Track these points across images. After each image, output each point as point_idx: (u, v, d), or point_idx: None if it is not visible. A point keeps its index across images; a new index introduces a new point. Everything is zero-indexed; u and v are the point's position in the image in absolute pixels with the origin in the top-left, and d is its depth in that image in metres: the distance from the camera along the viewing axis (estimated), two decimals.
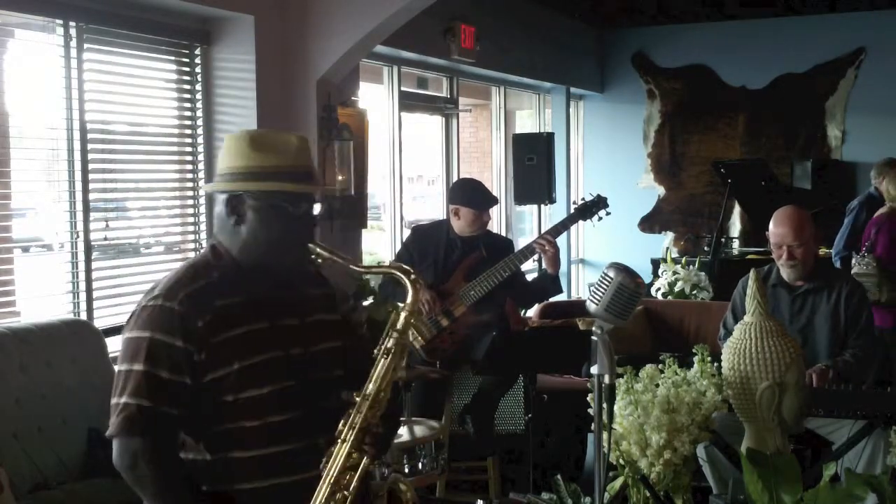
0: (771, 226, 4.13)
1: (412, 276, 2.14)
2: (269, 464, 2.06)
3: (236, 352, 2.04)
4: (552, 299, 5.90)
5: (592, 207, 4.98)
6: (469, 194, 4.85)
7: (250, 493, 2.06)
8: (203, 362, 2.01)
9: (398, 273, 2.17)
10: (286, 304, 2.15)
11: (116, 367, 2.06)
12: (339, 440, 2.05)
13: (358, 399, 2.06)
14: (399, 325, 2.10)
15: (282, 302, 2.14)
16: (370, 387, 2.06)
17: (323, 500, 2.02)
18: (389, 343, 2.09)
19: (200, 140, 5.19)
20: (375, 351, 2.10)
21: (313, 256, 2.16)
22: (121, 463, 2.02)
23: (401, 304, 2.13)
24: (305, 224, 2.14)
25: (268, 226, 2.09)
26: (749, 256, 8.09)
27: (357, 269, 2.26)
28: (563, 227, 4.96)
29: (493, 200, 4.89)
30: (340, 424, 2.05)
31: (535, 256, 5.03)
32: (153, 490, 2.02)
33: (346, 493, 2.04)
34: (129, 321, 2.07)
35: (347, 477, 2.04)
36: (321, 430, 2.09)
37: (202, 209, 5.21)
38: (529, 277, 5.17)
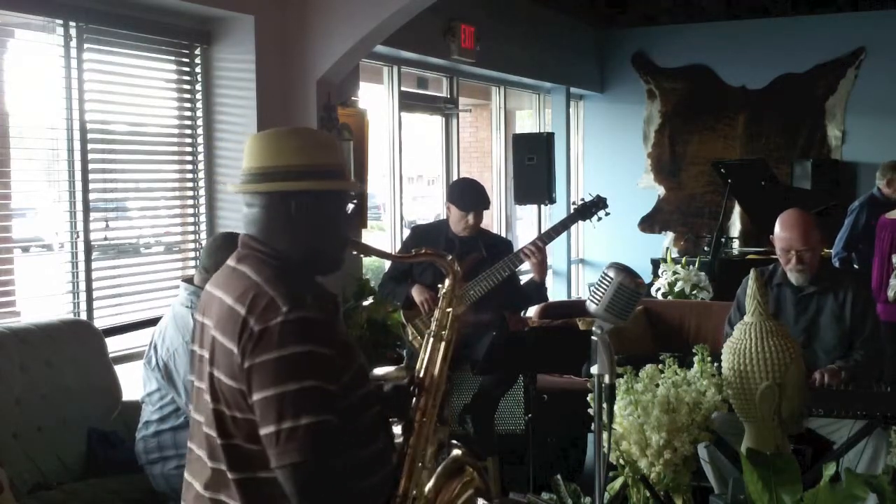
0: (778, 230, 4.08)
1: (448, 259, 2.29)
2: (376, 460, 2.08)
3: (352, 351, 2.04)
4: (553, 299, 5.89)
5: (592, 208, 4.97)
6: (457, 194, 4.85)
7: (364, 493, 2.04)
8: (340, 367, 1.98)
9: (436, 259, 2.33)
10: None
11: (268, 392, 1.88)
12: (416, 422, 2.15)
13: (421, 384, 2.20)
14: (440, 308, 2.25)
15: (338, 301, 2.18)
16: (434, 369, 2.20)
17: (412, 477, 2.10)
18: (435, 328, 2.23)
19: (200, 140, 5.19)
20: (426, 334, 2.25)
21: (355, 252, 2.22)
22: (317, 486, 1.88)
23: (440, 286, 2.29)
24: (350, 221, 2.21)
25: (333, 224, 2.10)
26: (749, 256, 8.09)
27: (400, 257, 2.42)
28: (562, 227, 4.95)
29: (481, 205, 4.82)
30: (413, 411, 2.17)
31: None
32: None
33: (427, 466, 2.14)
34: (262, 344, 1.90)
35: (428, 453, 2.16)
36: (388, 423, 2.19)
37: (202, 209, 5.21)
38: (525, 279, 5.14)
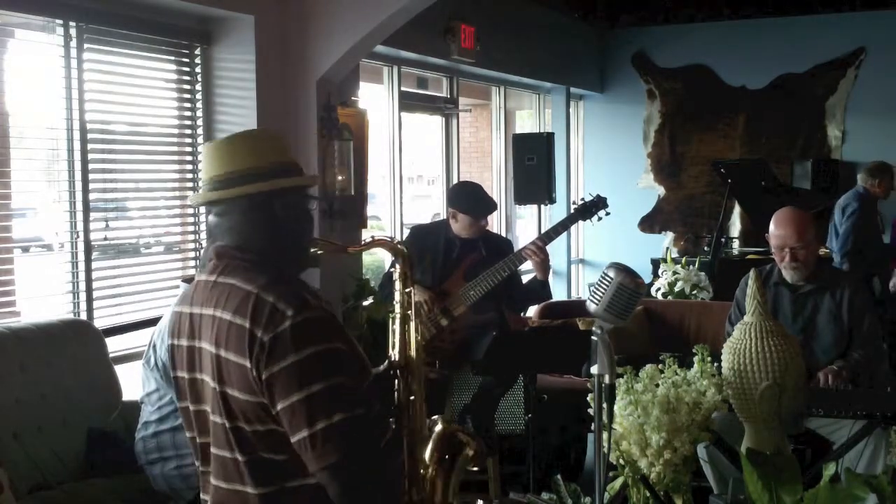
0: (772, 227, 4.10)
1: (395, 242, 2.29)
2: (396, 443, 2.08)
3: (354, 344, 2.01)
4: (553, 299, 5.89)
5: (592, 208, 4.97)
6: (467, 200, 4.83)
7: (392, 481, 2.04)
8: (353, 359, 1.97)
9: (384, 245, 2.31)
10: None
11: (294, 398, 1.85)
12: (405, 402, 2.13)
13: (402, 366, 2.17)
14: (398, 291, 2.21)
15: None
16: (409, 349, 2.17)
17: (416, 456, 2.09)
18: (399, 310, 2.20)
19: (200, 140, 5.19)
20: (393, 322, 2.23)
21: (312, 248, 2.19)
22: (360, 481, 1.87)
23: (393, 270, 2.28)
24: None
25: (305, 221, 2.09)
26: (749, 256, 8.08)
27: (353, 249, 2.38)
28: (562, 227, 4.95)
29: (491, 208, 4.86)
30: (400, 393, 2.14)
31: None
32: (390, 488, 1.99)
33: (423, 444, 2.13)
34: (276, 352, 1.86)
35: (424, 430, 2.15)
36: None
37: (202, 209, 5.21)
38: (526, 279, 5.14)
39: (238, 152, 2.03)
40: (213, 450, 2.00)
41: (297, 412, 1.85)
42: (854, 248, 7.06)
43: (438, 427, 2.18)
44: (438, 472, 2.13)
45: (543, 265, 4.71)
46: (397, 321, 2.21)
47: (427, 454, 2.14)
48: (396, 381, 2.17)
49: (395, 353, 2.19)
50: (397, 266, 2.24)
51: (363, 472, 1.88)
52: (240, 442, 1.94)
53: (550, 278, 4.89)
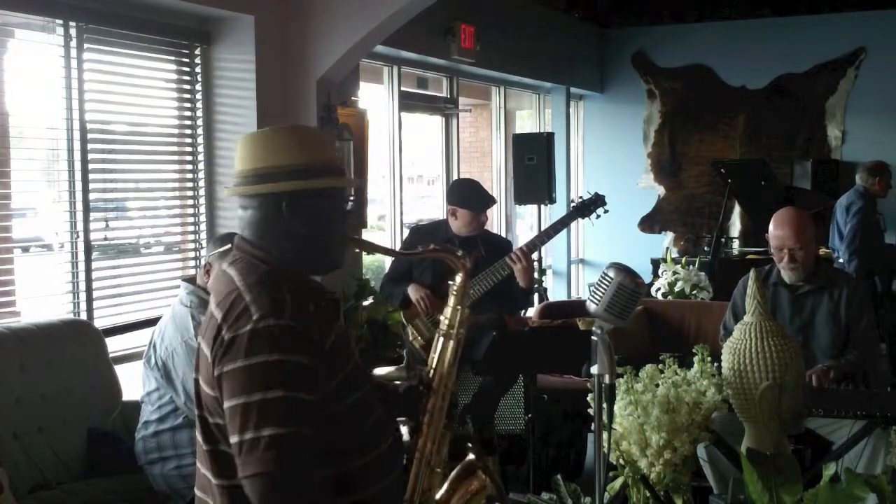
0: (771, 228, 4.11)
1: (458, 254, 2.25)
2: (381, 464, 2.02)
3: (341, 356, 1.97)
4: (552, 299, 5.89)
5: (590, 205, 4.97)
6: (466, 196, 4.85)
7: (370, 500, 2.00)
8: (323, 375, 1.90)
9: (445, 255, 2.27)
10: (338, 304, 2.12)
11: (234, 402, 1.83)
12: (424, 424, 2.12)
13: (429, 384, 2.15)
14: (450, 306, 2.22)
15: (338, 302, 2.11)
16: (442, 369, 2.16)
17: (423, 481, 2.07)
18: (445, 327, 2.20)
19: (200, 140, 5.19)
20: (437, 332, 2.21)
21: (357, 249, 2.16)
22: (283, 498, 1.80)
23: (451, 283, 2.25)
24: (348, 218, 2.14)
25: (329, 222, 2.05)
26: (749, 256, 8.09)
27: (405, 254, 2.34)
28: (561, 225, 4.95)
29: (490, 202, 4.88)
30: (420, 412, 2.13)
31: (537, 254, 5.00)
32: None
33: (439, 469, 2.12)
34: (231, 352, 1.86)
35: (438, 455, 2.13)
36: (396, 424, 2.15)
37: (202, 209, 5.21)
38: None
39: (259, 150, 2.02)
40: (196, 432, 2.03)
41: (234, 416, 1.84)
42: (861, 245, 7.11)
43: (469, 457, 2.16)
44: (449, 501, 2.11)
45: (525, 273, 4.68)
46: (441, 338, 2.20)
47: (447, 482, 2.12)
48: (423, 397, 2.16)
49: (431, 370, 2.18)
50: (457, 279, 2.22)
51: (287, 490, 1.81)
52: (205, 431, 1.95)
53: (549, 279, 4.90)
